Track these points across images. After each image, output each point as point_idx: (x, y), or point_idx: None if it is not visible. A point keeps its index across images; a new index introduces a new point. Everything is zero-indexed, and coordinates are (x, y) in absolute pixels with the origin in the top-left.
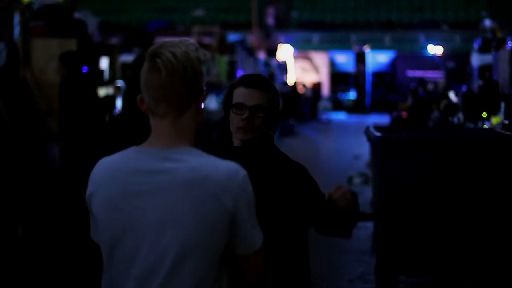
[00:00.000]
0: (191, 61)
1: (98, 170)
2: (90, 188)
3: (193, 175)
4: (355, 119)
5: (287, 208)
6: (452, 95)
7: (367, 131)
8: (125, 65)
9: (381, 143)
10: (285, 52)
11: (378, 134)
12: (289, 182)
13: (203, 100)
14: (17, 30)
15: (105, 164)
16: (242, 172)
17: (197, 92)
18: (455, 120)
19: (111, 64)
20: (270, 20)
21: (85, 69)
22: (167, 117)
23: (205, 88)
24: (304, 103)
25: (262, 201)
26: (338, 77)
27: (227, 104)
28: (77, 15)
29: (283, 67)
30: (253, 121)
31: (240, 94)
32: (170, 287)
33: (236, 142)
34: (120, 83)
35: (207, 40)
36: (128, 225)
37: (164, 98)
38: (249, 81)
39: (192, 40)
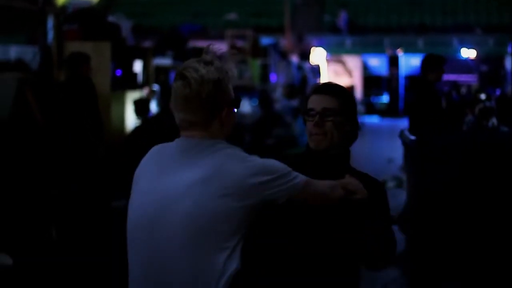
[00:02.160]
0: (206, 83)
1: (146, 155)
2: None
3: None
4: (388, 122)
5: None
6: (483, 98)
7: (401, 135)
8: (158, 69)
9: (416, 147)
10: (318, 55)
11: (413, 137)
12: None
13: (230, 109)
14: (51, 34)
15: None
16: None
17: (218, 105)
18: (489, 124)
19: (145, 67)
20: (342, 24)
21: (119, 72)
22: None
23: (232, 97)
24: None
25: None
26: (371, 81)
27: (304, 111)
28: (110, 18)
29: (316, 70)
30: (323, 125)
31: (311, 101)
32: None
33: (312, 146)
34: (155, 86)
35: (240, 43)
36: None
37: (185, 114)
38: (320, 87)
39: (223, 46)
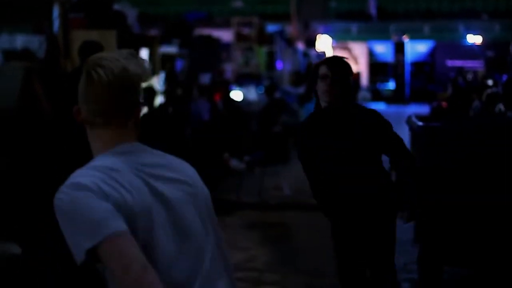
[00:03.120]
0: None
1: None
2: None
3: None
4: (394, 109)
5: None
6: (490, 84)
7: (409, 121)
8: (164, 56)
9: (423, 133)
10: (323, 42)
11: (420, 123)
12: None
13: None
14: (57, 23)
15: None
16: None
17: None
18: (496, 109)
19: (151, 56)
20: (373, 10)
21: None
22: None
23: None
24: None
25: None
26: (377, 67)
27: (314, 76)
28: (116, 6)
29: (322, 57)
30: (333, 87)
31: (323, 70)
32: None
33: (323, 104)
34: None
35: (246, 30)
36: None
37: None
38: (328, 59)
39: (228, 33)
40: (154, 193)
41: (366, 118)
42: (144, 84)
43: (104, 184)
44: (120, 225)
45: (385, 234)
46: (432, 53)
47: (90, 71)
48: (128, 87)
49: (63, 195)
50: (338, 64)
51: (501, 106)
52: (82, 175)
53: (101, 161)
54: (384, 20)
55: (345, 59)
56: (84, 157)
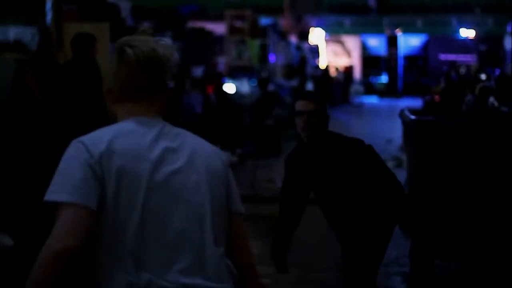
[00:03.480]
0: (157, 55)
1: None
2: None
3: None
4: (386, 102)
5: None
6: (483, 78)
7: (402, 114)
8: None
9: (416, 126)
10: (317, 35)
11: (413, 117)
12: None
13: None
14: (49, 15)
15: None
16: None
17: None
18: (489, 103)
19: None
20: (372, 3)
21: None
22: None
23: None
24: (336, 86)
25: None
26: (370, 61)
27: (292, 112)
28: None
29: (315, 50)
30: (310, 122)
31: (299, 105)
32: None
33: (304, 138)
34: None
35: (239, 23)
36: None
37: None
38: (304, 96)
39: (222, 26)
40: (152, 166)
41: (347, 152)
42: None
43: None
44: (80, 197)
45: (371, 248)
46: (425, 47)
47: (122, 50)
48: (157, 67)
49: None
50: (312, 99)
51: (492, 100)
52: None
53: (121, 124)
54: (377, 13)
55: (317, 94)
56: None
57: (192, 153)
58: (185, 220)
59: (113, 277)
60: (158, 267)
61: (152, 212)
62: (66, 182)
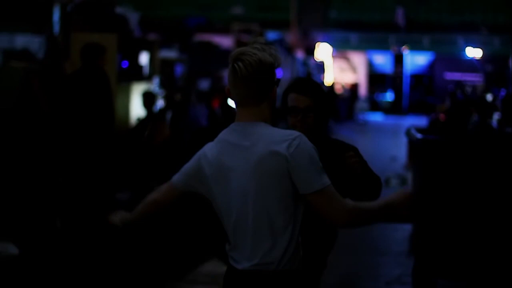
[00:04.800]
0: (263, 65)
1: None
2: None
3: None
4: (391, 120)
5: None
6: (489, 98)
7: (408, 133)
8: (164, 61)
9: (422, 145)
10: (323, 51)
11: (419, 135)
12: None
13: (275, 88)
14: (57, 24)
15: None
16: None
17: (270, 85)
18: (493, 121)
19: (151, 60)
20: (400, 21)
21: (125, 64)
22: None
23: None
24: (341, 103)
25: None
26: (375, 78)
27: (284, 105)
28: (118, 10)
29: (320, 66)
30: (306, 120)
31: (293, 100)
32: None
33: None
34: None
35: (246, 37)
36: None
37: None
38: (299, 88)
39: (228, 40)
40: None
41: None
42: (143, 89)
43: (209, 151)
44: (176, 178)
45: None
46: (431, 66)
47: (233, 64)
48: (262, 78)
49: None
50: (308, 91)
51: (497, 117)
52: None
53: (221, 134)
54: (383, 31)
55: (315, 82)
56: (82, 157)
57: None
58: None
59: None
60: None
61: None
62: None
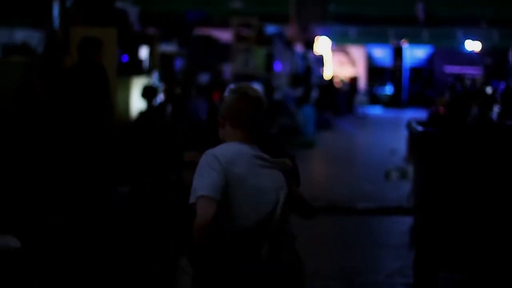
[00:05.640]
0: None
1: (226, 152)
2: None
3: None
4: (391, 113)
5: None
6: (489, 91)
7: (409, 126)
8: (164, 55)
9: (423, 138)
10: (322, 45)
11: (420, 128)
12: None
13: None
14: (57, 19)
15: (230, 147)
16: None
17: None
18: (493, 113)
19: (151, 54)
20: (420, 15)
21: (125, 58)
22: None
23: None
24: (340, 96)
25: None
26: (375, 72)
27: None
28: (118, 4)
29: (320, 60)
30: None
31: None
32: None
33: None
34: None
35: (245, 31)
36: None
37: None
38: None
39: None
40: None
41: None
42: (143, 83)
43: (223, 156)
44: (209, 191)
45: None
46: (430, 59)
47: (243, 92)
48: (255, 111)
49: (205, 155)
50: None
51: (497, 109)
52: (218, 149)
53: (229, 144)
54: (382, 24)
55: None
56: (81, 149)
57: None
58: None
59: None
60: None
61: None
62: (203, 182)
